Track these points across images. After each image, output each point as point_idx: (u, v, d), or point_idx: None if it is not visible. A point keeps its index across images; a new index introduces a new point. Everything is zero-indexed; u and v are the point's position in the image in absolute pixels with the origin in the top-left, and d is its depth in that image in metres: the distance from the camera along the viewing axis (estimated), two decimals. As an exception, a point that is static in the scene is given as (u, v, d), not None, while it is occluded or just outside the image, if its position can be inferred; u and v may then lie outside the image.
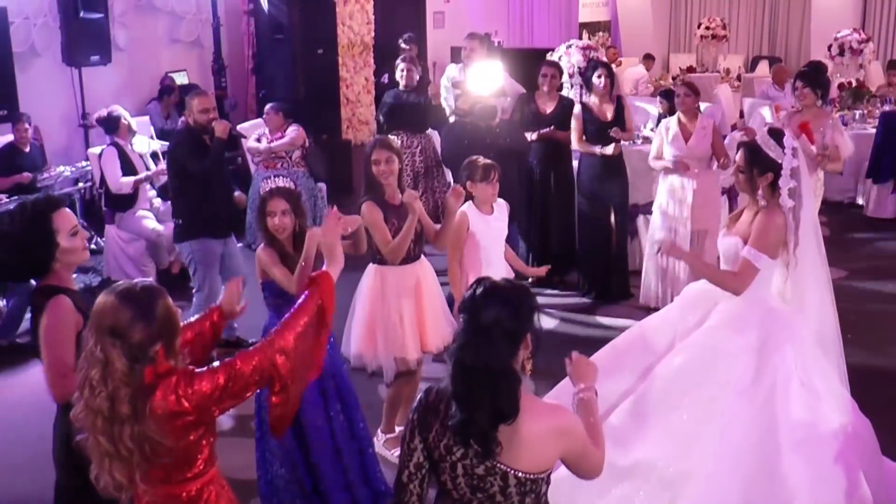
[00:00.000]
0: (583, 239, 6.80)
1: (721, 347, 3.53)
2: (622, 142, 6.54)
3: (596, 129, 6.42)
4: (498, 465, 2.26)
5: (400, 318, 4.22)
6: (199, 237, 5.37)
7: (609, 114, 6.46)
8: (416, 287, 4.29)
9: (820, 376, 3.54)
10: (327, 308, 2.60)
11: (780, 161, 3.56)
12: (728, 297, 3.64)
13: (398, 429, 4.48)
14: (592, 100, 6.53)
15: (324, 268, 2.74)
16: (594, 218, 6.62)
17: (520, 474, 2.27)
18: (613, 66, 9.74)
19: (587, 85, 6.60)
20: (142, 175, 6.97)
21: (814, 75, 6.31)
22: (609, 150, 6.38)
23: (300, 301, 2.60)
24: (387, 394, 4.58)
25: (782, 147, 3.57)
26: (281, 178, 3.91)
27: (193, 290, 5.50)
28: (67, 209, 3.03)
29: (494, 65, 6.90)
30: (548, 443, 2.30)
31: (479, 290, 2.32)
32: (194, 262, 5.46)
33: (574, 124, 6.51)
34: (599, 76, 6.41)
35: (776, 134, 3.65)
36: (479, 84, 6.29)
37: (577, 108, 6.59)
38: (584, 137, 6.48)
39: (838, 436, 3.42)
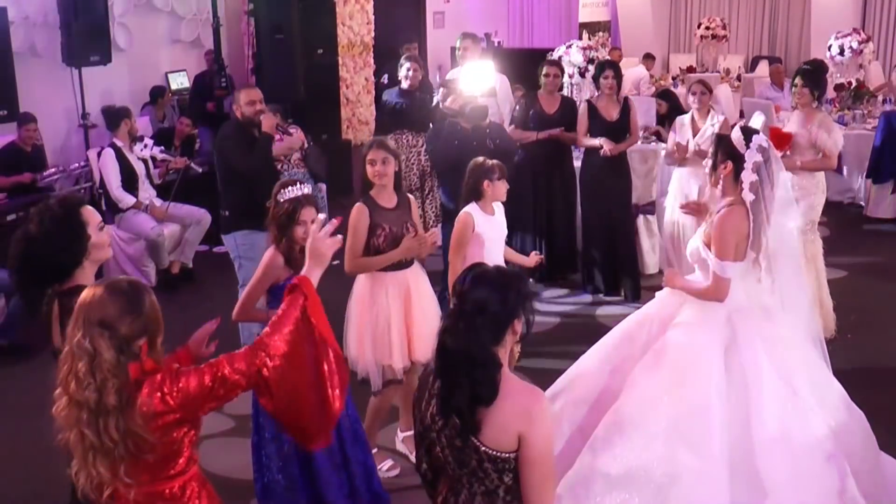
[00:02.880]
0: (585, 239, 6.81)
1: (689, 345, 3.52)
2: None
3: (602, 129, 6.47)
4: (470, 439, 2.29)
5: (388, 324, 4.17)
6: (244, 229, 5.29)
7: (615, 114, 6.50)
8: (406, 293, 4.25)
9: (805, 374, 3.52)
10: (312, 313, 2.50)
11: (742, 153, 3.52)
12: None
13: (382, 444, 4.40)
14: (599, 100, 6.57)
15: (304, 271, 2.62)
16: (596, 217, 6.64)
17: (489, 451, 2.28)
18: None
19: (595, 84, 6.66)
20: (143, 201, 7.01)
21: (814, 75, 6.25)
22: (607, 148, 6.39)
23: (283, 307, 2.53)
24: (370, 405, 4.40)
25: (749, 142, 3.52)
26: (307, 185, 3.85)
27: (238, 286, 5.32)
28: (90, 206, 3.03)
29: (486, 64, 6.91)
30: (510, 421, 2.27)
31: (469, 275, 2.37)
32: (238, 256, 5.39)
33: (579, 122, 6.57)
34: (606, 77, 6.46)
35: (748, 131, 3.62)
36: (471, 83, 6.29)
37: (582, 107, 6.65)
38: (588, 135, 6.53)
39: (823, 435, 3.39)
